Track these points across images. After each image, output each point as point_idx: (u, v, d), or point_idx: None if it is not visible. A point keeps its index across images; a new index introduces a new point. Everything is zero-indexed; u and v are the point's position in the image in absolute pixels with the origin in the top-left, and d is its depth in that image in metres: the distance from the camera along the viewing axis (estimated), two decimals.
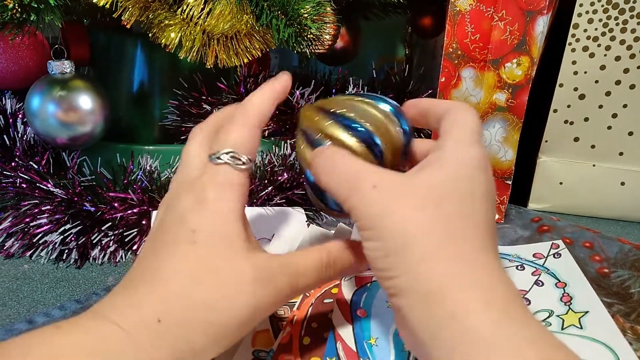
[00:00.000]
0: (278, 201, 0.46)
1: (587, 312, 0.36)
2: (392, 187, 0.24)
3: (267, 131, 0.52)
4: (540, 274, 0.40)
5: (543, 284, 0.39)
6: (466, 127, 0.26)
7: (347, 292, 0.34)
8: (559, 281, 0.39)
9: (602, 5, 0.47)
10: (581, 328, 0.34)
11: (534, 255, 0.43)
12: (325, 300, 0.34)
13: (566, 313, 0.36)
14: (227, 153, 0.26)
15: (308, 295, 0.34)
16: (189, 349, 0.23)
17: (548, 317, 0.35)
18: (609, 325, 0.34)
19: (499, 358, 0.20)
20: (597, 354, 0.32)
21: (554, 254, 0.43)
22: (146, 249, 0.26)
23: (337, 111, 0.28)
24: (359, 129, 0.27)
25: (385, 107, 0.29)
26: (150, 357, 0.22)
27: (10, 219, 0.44)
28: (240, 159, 0.26)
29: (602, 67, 0.49)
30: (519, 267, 0.41)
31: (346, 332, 0.32)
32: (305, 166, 0.29)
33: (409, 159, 0.30)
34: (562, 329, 0.34)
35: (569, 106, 0.51)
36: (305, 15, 0.40)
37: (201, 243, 0.24)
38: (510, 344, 0.21)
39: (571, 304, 0.37)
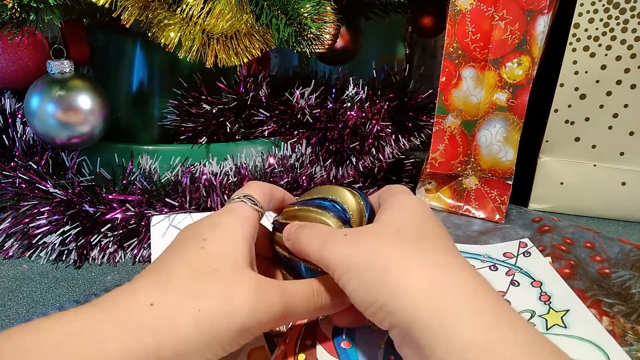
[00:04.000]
0: None
1: (568, 311, 0.36)
2: (360, 231, 0.28)
3: (266, 131, 0.52)
4: (514, 274, 0.40)
5: (519, 284, 0.39)
6: (396, 190, 0.32)
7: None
8: (534, 280, 0.39)
9: (603, 5, 0.47)
10: (565, 327, 0.34)
11: (504, 255, 0.43)
12: (317, 317, 0.33)
13: (547, 313, 0.36)
14: (244, 196, 0.30)
15: None
16: (173, 330, 0.23)
17: (531, 317, 0.35)
18: (592, 322, 0.34)
19: None
20: (586, 353, 0.32)
21: (523, 253, 0.43)
22: (157, 258, 0.28)
23: (313, 197, 0.33)
24: (330, 205, 0.32)
25: (353, 190, 0.34)
26: (133, 336, 0.22)
27: (10, 219, 0.44)
28: (255, 202, 0.30)
29: (603, 67, 0.49)
30: (492, 268, 0.41)
31: None
32: (282, 248, 0.32)
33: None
34: (547, 329, 0.34)
35: (569, 106, 0.51)
36: (305, 14, 0.40)
37: (209, 249, 0.27)
38: (502, 350, 0.21)
39: (550, 302, 0.37)
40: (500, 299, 0.24)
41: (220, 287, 0.25)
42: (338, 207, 0.32)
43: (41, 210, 0.43)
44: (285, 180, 0.47)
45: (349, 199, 0.32)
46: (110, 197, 0.43)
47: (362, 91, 0.55)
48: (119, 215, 0.42)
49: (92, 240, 0.42)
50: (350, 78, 0.57)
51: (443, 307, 0.23)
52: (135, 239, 0.43)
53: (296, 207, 0.33)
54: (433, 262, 0.25)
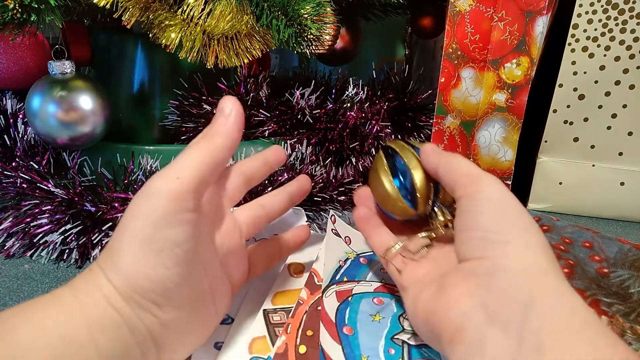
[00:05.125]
0: None
1: None
2: (500, 184, 0.29)
3: (267, 131, 0.52)
4: None
5: None
6: (467, 163, 0.31)
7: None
8: None
9: (602, 6, 0.47)
10: None
11: None
12: (319, 308, 0.34)
13: None
14: None
15: (302, 302, 0.34)
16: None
17: None
18: None
19: (596, 336, 0.22)
20: None
21: None
22: None
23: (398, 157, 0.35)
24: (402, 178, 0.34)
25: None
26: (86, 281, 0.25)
27: (11, 219, 0.44)
28: None
29: (602, 68, 0.49)
30: None
31: (336, 353, 0.31)
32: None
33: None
34: None
35: (568, 106, 0.51)
36: (306, 15, 0.40)
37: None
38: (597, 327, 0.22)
39: None
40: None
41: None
42: (408, 185, 0.34)
43: (42, 209, 0.43)
44: (285, 178, 0.47)
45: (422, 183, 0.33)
46: (112, 194, 0.43)
47: (361, 92, 0.55)
48: (120, 214, 0.43)
49: (93, 239, 0.42)
50: (350, 79, 0.57)
51: (549, 277, 0.24)
52: None
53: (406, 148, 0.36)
54: (537, 243, 0.26)
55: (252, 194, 0.45)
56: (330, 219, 0.42)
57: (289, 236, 0.38)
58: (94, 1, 0.39)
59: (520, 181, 0.55)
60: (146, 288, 0.25)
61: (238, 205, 0.35)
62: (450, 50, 0.50)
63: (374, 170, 0.36)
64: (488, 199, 0.28)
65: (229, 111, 0.29)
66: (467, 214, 0.29)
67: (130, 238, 0.25)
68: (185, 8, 0.40)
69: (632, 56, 0.48)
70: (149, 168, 0.46)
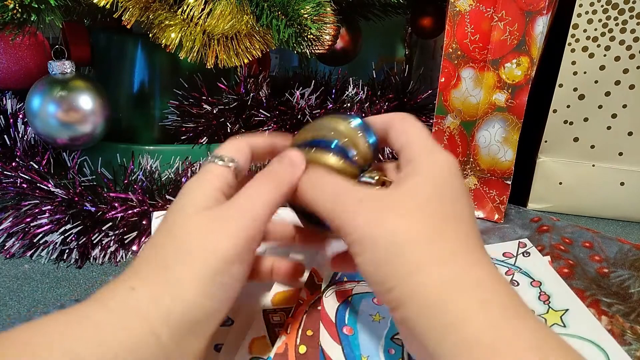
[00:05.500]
0: None
1: (567, 310, 0.36)
2: (377, 199, 0.26)
3: (267, 131, 0.52)
4: (513, 274, 0.40)
5: (518, 284, 0.39)
6: (422, 136, 0.28)
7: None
8: (534, 280, 0.39)
9: (602, 6, 0.47)
10: (565, 326, 0.34)
11: (503, 255, 0.43)
12: (319, 308, 0.34)
13: (547, 312, 0.36)
14: (214, 156, 0.30)
15: (302, 302, 0.34)
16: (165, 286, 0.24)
17: None
18: (591, 322, 0.35)
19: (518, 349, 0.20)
20: (586, 352, 0.31)
21: (522, 253, 0.43)
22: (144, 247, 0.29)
23: (308, 138, 0.31)
24: (331, 145, 0.30)
25: (351, 121, 0.31)
26: (122, 312, 0.24)
27: (11, 219, 0.44)
28: (221, 158, 0.30)
29: (602, 68, 0.49)
30: None
31: (336, 353, 0.31)
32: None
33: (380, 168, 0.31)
34: None
35: (568, 106, 0.51)
36: (306, 15, 0.40)
37: (172, 212, 0.28)
38: (511, 349, 0.21)
39: (550, 302, 0.37)
40: (512, 294, 0.23)
41: (190, 238, 0.26)
42: (340, 146, 0.30)
43: (42, 209, 0.43)
44: None
45: (350, 137, 0.30)
46: (111, 194, 0.43)
47: (361, 92, 0.55)
48: (120, 214, 0.43)
49: (93, 239, 0.42)
50: (350, 78, 0.57)
51: (452, 305, 0.22)
52: (136, 236, 0.44)
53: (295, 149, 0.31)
54: (449, 252, 0.24)
55: None
56: None
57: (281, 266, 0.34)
58: (94, 1, 0.39)
59: (520, 181, 0.55)
60: (199, 320, 0.24)
61: None
62: (450, 50, 0.50)
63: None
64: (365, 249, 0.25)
65: (291, 160, 0.29)
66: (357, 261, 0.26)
67: (200, 269, 0.25)
68: (185, 8, 0.40)
69: (632, 56, 0.48)
70: (149, 168, 0.46)
